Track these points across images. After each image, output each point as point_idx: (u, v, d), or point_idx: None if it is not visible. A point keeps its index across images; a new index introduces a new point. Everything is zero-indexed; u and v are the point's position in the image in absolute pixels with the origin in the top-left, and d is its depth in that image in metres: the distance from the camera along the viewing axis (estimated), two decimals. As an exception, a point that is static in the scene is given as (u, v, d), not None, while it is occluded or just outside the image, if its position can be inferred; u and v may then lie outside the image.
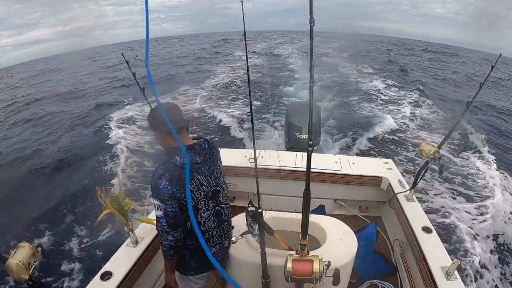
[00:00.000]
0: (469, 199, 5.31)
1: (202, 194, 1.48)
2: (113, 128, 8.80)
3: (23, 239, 1.28)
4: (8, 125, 11.12)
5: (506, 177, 6.00)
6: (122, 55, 2.52)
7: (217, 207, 1.58)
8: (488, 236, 4.43)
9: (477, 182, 5.86)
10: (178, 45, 43.30)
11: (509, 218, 4.81)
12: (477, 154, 7.06)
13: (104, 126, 9.16)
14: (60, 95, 14.99)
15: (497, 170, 6.22)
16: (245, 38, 1.46)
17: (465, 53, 41.38)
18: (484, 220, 4.74)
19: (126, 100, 11.72)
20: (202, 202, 1.49)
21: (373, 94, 12.35)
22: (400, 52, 31.36)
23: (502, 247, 4.26)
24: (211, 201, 1.53)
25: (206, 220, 1.54)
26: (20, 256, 1.18)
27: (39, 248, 1.27)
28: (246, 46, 1.50)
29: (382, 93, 12.52)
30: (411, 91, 12.53)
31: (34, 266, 1.22)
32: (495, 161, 6.63)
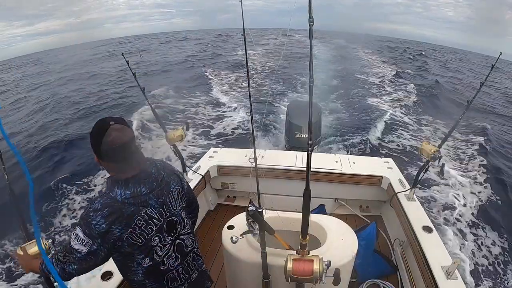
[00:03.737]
0: (470, 198, 5.30)
1: (154, 229, 1.27)
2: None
3: (47, 237, 1.31)
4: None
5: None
6: (123, 54, 2.52)
7: (177, 241, 1.38)
8: (490, 236, 4.42)
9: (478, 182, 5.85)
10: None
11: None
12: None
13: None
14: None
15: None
16: (244, 36, 1.46)
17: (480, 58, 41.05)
18: (486, 219, 4.73)
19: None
20: (156, 238, 1.29)
21: (375, 94, 12.33)
22: (411, 52, 30.78)
23: (504, 246, 4.25)
24: (167, 235, 1.33)
25: (165, 258, 1.34)
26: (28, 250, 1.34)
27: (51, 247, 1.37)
28: (245, 44, 1.49)
29: (385, 92, 12.50)
30: (415, 90, 12.49)
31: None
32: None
